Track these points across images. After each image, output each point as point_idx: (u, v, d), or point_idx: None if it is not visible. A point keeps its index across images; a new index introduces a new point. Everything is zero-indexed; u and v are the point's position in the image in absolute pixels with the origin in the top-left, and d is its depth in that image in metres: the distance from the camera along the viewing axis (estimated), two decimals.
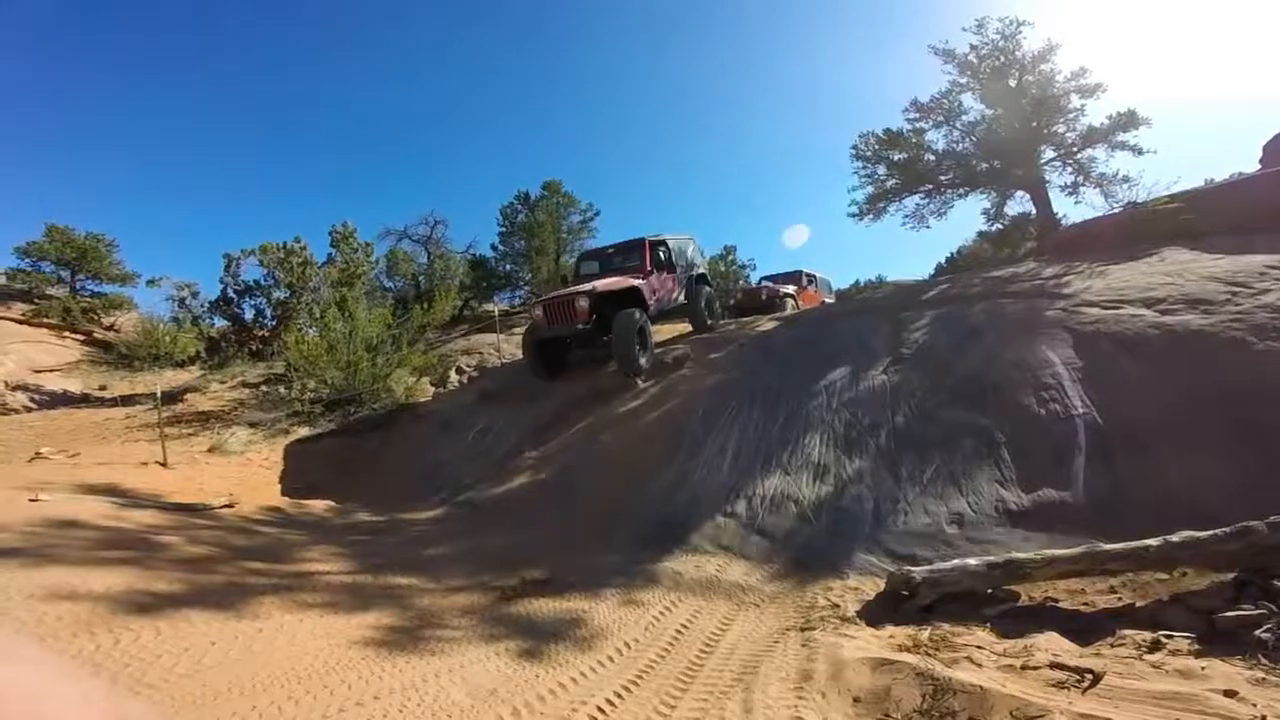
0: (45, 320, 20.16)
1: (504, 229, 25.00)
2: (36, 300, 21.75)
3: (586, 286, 9.43)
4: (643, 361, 8.86)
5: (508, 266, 24.82)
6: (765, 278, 19.08)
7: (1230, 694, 2.26)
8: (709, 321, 11.91)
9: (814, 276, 18.31)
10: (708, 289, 12.43)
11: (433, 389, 12.08)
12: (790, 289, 16.41)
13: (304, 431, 9.73)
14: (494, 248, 25.31)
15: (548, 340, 9.77)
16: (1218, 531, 3.28)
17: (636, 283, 9.76)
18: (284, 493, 7.51)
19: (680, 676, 3.09)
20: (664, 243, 11.28)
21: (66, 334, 19.92)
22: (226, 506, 6.33)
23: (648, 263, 10.59)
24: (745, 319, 12.93)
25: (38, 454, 7.63)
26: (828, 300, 17.94)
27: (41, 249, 22.82)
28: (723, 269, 29.77)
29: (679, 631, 3.68)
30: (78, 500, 5.31)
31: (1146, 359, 5.57)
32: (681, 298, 11.65)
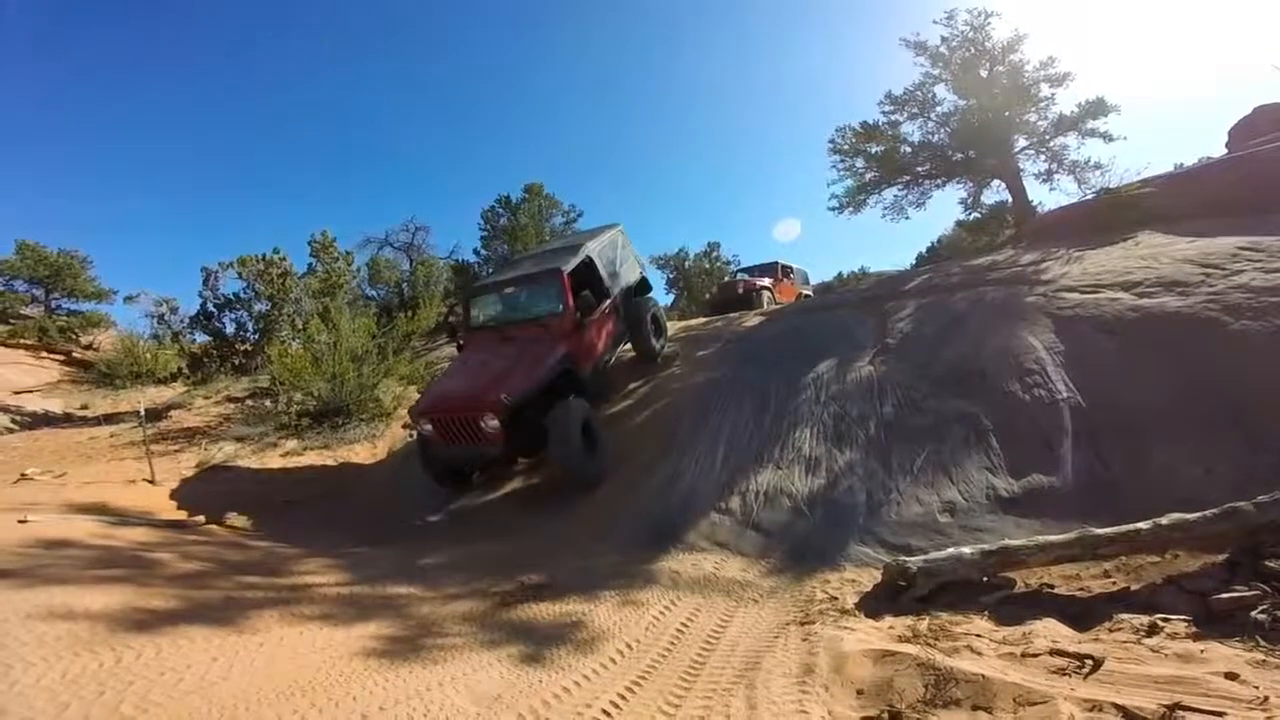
0: (21, 341, 19.84)
1: (486, 233, 24.96)
2: (11, 320, 21.41)
3: (486, 386, 6.54)
4: (594, 466, 6.58)
5: (491, 271, 24.71)
6: (740, 270, 19.02)
7: (1231, 676, 2.30)
8: (656, 343, 9.28)
9: (790, 268, 18.15)
10: (649, 302, 9.51)
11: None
12: (766, 282, 16.26)
13: (292, 444, 9.65)
14: (476, 252, 25.28)
15: (451, 459, 6.92)
16: (1206, 513, 3.34)
17: (560, 360, 7.02)
18: (275, 504, 7.43)
19: (683, 675, 3.10)
20: (588, 262, 8.21)
21: (44, 354, 19.62)
22: (217, 522, 6.27)
23: (572, 307, 7.41)
24: (731, 315, 12.92)
25: (23, 475, 7.50)
26: (805, 292, 17.88)
27: (13, 267, 22.46)
28: (707, 266, 29.88)
29: (679, 630, 3.69)
30: (68, 520, 5.23)
31: (1126, 341, 5.68)
32: (622, 328, 8.89)
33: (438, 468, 7.13)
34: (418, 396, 8.73)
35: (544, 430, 6.40)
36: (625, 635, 3.62)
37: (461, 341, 8.47)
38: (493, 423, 6.25)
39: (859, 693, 2.70)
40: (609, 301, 8.38)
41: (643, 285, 9.78)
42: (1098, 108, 12.14)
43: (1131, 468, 4.46)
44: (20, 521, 4.85)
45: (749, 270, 18.11)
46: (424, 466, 7.20)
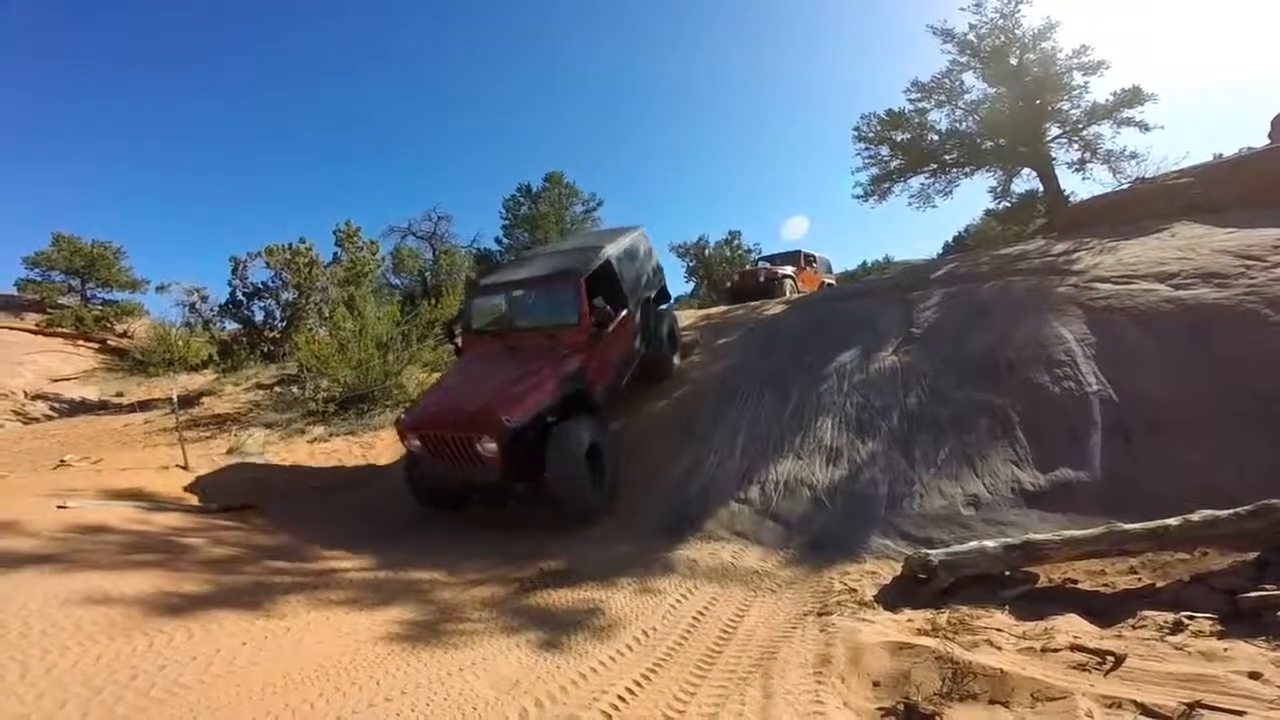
0: (59, 330, 20.41)
1: (507, 222, 25.13)
2: (49, 310, 22.04)
3: (486, 403, 5.64)
4: (596, 499, 5.82)
5: (506, 262, 24.79)
6: (763, 258, 18.70)
7: (1254, 676, 2.26)
8: (674, 361, 8.62)
9: (813, 257, 17.67)
10: (666, 314, 8.79)
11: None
12: (789, 270, 15.83)
13: (319, 430, 9.80)
14: (498, 241, 25.43)
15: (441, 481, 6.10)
16: (1238, 510, 3.27)
17: (571, 378, 6.17)
18: (303, 490, 7.57)
19: (699, 663, 3.11)
20: (606, 267, 7.28)
21: (80, 342, 20.16)
22: (248, 507, 6.41)
23: (587, 316, 6.53)
24: (753, 303, 12.80)
25: (62, 461, 7.73)
26: (828, 281, 17.56)
27: (50, 258, 23.16)
28: (728, 254, 29.68)
29: (696, 619, 3.71)
30: (104, 505, 5.38)
31: (1160, 334, 5.54)
32: (639, 343, 7.86)
33: (425, 489, 6.26)
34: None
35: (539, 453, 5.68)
36: (642, 622, 3.64)
37: (459, 343, 7.58)
38: (490, 446, 5.46)
39: (875, 684, 2.70)
40: (626, 312, 7.43)
41: (662, 294, 8.99)
42: (1134, 96, 11.82)
43: (1162, 463, 4.37)
44: (60, 507, 4.99)
45: (771, 258, 17.73)
46: (409, 485, 6.33)
